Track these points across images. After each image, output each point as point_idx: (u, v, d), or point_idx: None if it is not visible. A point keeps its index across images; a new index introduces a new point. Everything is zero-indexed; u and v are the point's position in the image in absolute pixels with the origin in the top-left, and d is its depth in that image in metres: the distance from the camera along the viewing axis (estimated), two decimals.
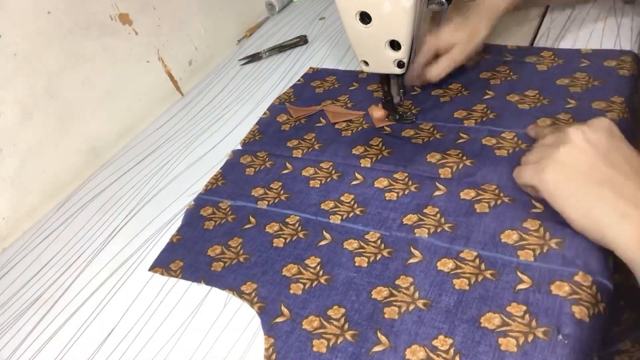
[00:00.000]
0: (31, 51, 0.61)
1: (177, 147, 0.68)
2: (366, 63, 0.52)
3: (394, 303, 0.40)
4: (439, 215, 0.45)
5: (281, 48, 0.82)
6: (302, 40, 0.82)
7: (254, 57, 0.82)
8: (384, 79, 0.55)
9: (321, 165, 0.55)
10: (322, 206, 0.50)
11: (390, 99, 0.57)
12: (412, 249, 0.43)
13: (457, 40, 0.56)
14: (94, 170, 0.69)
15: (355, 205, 0.49)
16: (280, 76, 0.76)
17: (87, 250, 0.56)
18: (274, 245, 0.48)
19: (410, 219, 0.46)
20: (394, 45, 0.49)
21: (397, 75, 0.53)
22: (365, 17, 0.47)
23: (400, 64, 0.50)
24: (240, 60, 0.82)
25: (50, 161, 0.65)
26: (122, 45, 0.71)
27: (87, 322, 0.48)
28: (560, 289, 0.37)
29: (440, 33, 0.56)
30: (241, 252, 0.48)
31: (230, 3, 0.89)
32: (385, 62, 0.50)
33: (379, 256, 0.44)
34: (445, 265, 0.41)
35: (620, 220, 0.35)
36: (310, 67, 0.73)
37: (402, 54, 0.49)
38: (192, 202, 0.56)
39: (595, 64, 0.56)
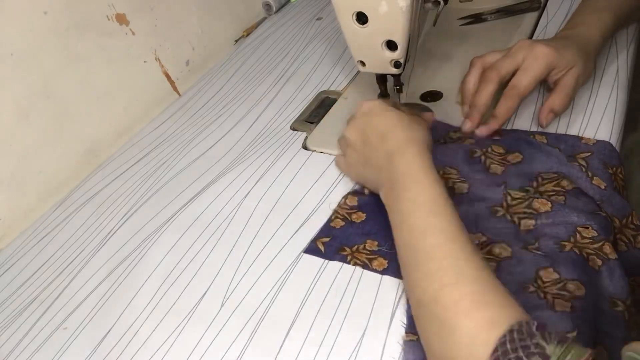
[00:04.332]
0: (28, 51, 0.61)
1: (174, 147, 0.68)
2: (363, 63, 0.52)
3: None
4: None
5: (509, 12, 0.71)
6: (535, 3, 0.71)
7: (477, 19, 0.72)
8: (381, 79, 0.55)
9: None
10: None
11: (387, 97, 0.57)
12: None
13: (571, 61, 0.49)
14: (91, 170, 0.69)
15: None
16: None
17: (84, 250, 0.56)
18: None
19: None
20: (391, 45, 0.49)
21: (394, 75, 0.54)
22: (361, 18, 0.47)
23: (396, 64, 0.50)
24: (460, 19, 0.73)
25: (47, 161, 0.65)
26: (119, 46, 0.71)
27: (84, 322, 0.48)
28: None
29: (537, 48, 0.49)
30: None
31: (227, 3, 0.89)
32: (382, 63, 0.51)
33: None
34: None
35: (380, 185, 0.45)
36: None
37: (398, 54, 0.49)
38: None
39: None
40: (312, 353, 0.40)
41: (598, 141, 0.49)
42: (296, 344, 0.41)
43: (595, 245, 0.40)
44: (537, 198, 0.44)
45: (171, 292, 0.48)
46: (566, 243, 0.41)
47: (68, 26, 0.65)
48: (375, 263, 0.45)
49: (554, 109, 0.51)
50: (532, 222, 0.43)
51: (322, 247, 0.47)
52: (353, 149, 0.49)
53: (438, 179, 0.41)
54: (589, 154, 0.48)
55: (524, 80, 0.50)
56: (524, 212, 0.44)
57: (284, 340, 0.41)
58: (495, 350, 0.29)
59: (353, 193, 0.52)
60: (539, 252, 0.41)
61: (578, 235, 0.41)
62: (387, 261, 0.45)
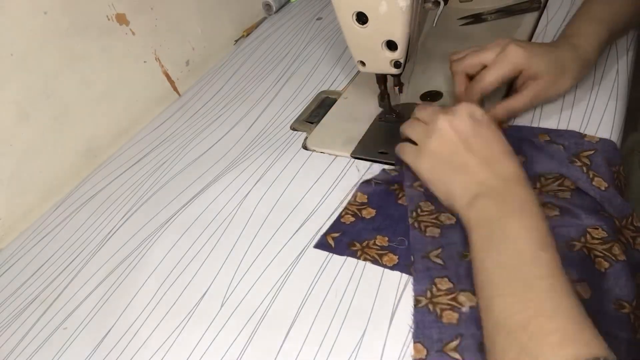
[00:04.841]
0: (28, 51, 0.61)
1: (174, 147, 0.68)
2: (363, 63, 0.52)
3: None
4: None
5: (509, 12, 0.71)
6: (535, 3, 0.70)
7: (477, 19, 0.72)
8: (381, 79, 0.55)
9: None
10: None
11: (387, 100, 0.57)
12: None
13: (542, 70, 0.50)
14: (91, 170, 0.69)
15: None
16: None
17: (84, 250, 0.56)
18: None
19: None
20: (391, 45, 0.49)
21: (394, 76, 0.54)
22: (362, 18, 0.47)
23: (396, 64, 0.50)
24: (460, 19, 0.73)
25: (47, 161, 0.65)
26: (119, 46, 0.71)
27: (84, 322, 0.48)
28: None
29: (512, 49, 0.50)
30: None
31: (227, 3, 0.89)
32: (382, 63, 0.51)
33: None
34: None
35: (469, 202, 0.41)
36: None
37: (398, 54, 0.49)
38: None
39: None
40: (312, 353, 0.40)
41: (601, 139, 0.48)
42: (296, 344, 0.41)
43: (605, 247, 0.40)
44: (543, 202, 0.44)
45: (171, 292, 0.48)
46: (577, 243, 0.41)
47: (68, 26, 0.65)
48: (385, 258, 0.45)
49: (509, 108, 0.51)
50: None
51: (332, 242, 0.48)
52: (448, 143, 0.44)
53: (544, 214, 0.39)
54: (593, 152, 0.47)
55: (488, 77, 0.50)
56: None
57: (284, 340, 0.41)
58: None
59: (362, 191, 0.52)
60: None
61: (588, 235, 0.41)
62: (397, 257, 0.45)
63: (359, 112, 0.63)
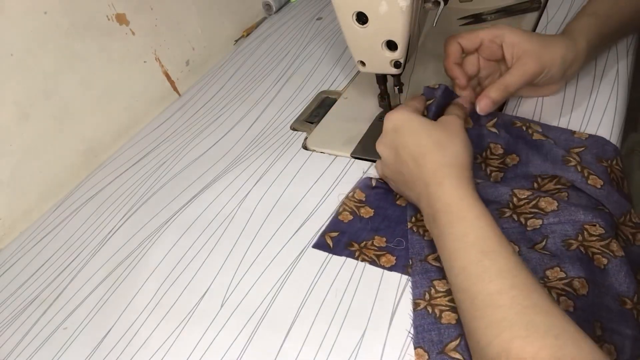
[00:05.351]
0: (28, 51, 0.61)
1: (174, 147, 0.68)
2: (363, 63, 0.52)
3: None
4: None
5: (509, 12, 0.70)
6: (535, 3, 0.70)
7: (477, 19, 0.72)
8: (381, 79, 0.55)
9: None
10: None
11: (387, 100, 0.57)
12: None
13: (529, 49, 0.49)
14: (91, 170, 0.69)
15: None
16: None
17: (84, 250, 0.56)
18: None
19: None
20: (391, 45, 0.49)
21: (394, 76, 0.54)
22: (362, 18, 0.47)
23: (396, 64, 0.50)
24: (460, 19, 0.72)
25: (47, 161, 0.65)
26: (119, 46, 0.71)
27: (84, 322, 0.48)
28: None
29: (504, 29, 0.50)
30: None
31: (227, 3, 0.89)
32: (382, 63, 0.51)
33: None
34: None
35: (422, 210, 0.43)
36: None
37: (398, 54, 0.49)
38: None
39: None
40: (312, 353, 0.40)
41: (590, 136, 0.49)
42: (296, 344, 0.41)
43: (602, 243, 0.40)
44: (543, 197, 0.44)
45: (171, 292, 0.48)
46: (573, 241, 0.41)
47: (68, 26, 0.65)
48: (383, 259, 0.45)
49: (502, 85, 0.49)
50: (539, 221, 0.43)
51: (330, 242, 0.47)
52: (386, 165, 0.47)
53: (484, 211, 0.37)
54: (582, 148, 0.48)
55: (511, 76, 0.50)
56: (530, 212, 0.44)
57: (284, 340, 0.41)
58: None
59: (361, 188, 0.52)
60: (546, 252, 0.41)
61: (585, 233, 0.41)
62: (395, 257, 0.45)
63: (359, 112, 0.63)
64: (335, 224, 0.49)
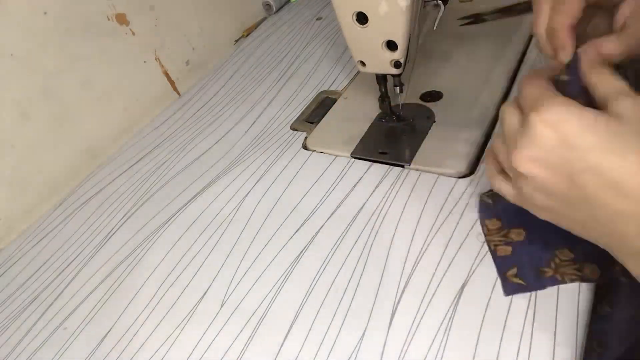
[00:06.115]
0: (28, 51, 0.61)
1: (174, 147, 0.68)
2: (363, 63, 0.52)
3: None
4: None
5: (509, 12, 0.68)
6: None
7: (477, 19, 0.70)
8: (381, 80, 0.55)
9: None
10: None
11: (387, 100, 0.57)
12: None
13: None
14: (91, 170, 0.69)
15: None
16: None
17: (84, 250, 0.56)
18: None
19: None
20: (391, 45, 0.49)
21: (394, 76, 0.54)
22: (362, 18, 0.47)
23: (397, 64, 0.50)
24: (460, 19, 0.71)
25: (47, 161, 0.65)
26: (119, 46, 0.71)
27: (84, 322, 0.48)
28: None
29: None
30: None
31: (227, 3, 0.89)
32: (382, 63, 0.51)
33: None
34: None
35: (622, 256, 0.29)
36: None
37: (398, 55, 0.49)
38: None
39: None
40: (312, 353, 0.40)
41: None
42: (296, 344, 0.41)
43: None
44: None
45: (171, 292, 0.48)
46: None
47: (68, 26, 0.65)
48: (586, 270, 0.39)
49: (609, 53, 0.31)
50: None
51: (520, 281, 0.40)
52: (541, 192, 0.30)
53: None
54: None
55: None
56: None
57: (284, 340, 0.41)
58: None
59: (486, 215, 0.45)
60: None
61: None
62: (597, 266, 0.38)
63: (359, 112, 0.63)
64: (502, 263, 0.42)
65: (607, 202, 0.27)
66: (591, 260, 0.39)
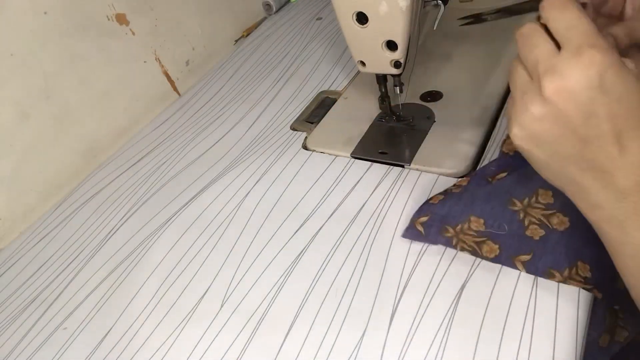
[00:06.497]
0: (28, 51, 0.61)
1: (174, 147, 0.68)
2: (363, 63, 0.52)
3: None
4: None
5: (509, 12, 0.67)
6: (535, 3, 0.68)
7: (477, 19, 0.70)
8: (381, 80, 0.55)
9: None
10: None
11: (387, 100, 0.57)
12: None
13: None
14: (91, 170, 0.69)
15: None
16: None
17: (84, 250, 0.56)
18: None
19: None
20: (391, 45, 0.49)
21: (394, 76, 0.54)
22: (362, 18, 0.47)
23: (397, 64, 0.50)
24: (460, 19, 0.72)
25: (47, 161, 0.65)
26: (119, 46, 0.71)
27: (84, 322, 0.48)
28: None
29: None
30: None
31: (227, 3, 0.89)
32: (382, 63, 0.51)
33: None
34: None
35: (613, 214, 0.30)
36: None
37: (398, 55, 0.49)
38: None
39: None
40: (312, 353, 0.40)
41: None
42: (296, 344, 0.41)
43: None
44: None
45: (171, 292, 0.48)
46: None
47: (68, 26, 0.65)
48: (485, 248, 0.39)
49: (633, 30, 0.34)
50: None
51: (421, 229, 0.41)
52: (558, 122, 0.29)
53: None
54: None
55: None
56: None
57: (284, 340, 0.41)
58: None
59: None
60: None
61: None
62: (497, 246, 0.39)
63: (359, 112, 0.63)
64: (424, 207, 0.42)
65: (606, 148, 0.29)
66: (496, 240, 0.39)
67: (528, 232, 0.39)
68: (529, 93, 0.30)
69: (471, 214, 0.40)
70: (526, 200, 0.40)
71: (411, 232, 0.43)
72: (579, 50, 0.28)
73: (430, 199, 0.44)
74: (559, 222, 0.38)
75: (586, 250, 0.37)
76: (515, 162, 0.41)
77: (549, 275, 0.38)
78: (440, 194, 0.44)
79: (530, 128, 0.31)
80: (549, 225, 0.39)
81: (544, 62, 0.29)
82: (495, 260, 0.39)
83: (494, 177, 0.42)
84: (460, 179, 0.44)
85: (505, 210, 0.40)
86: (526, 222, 0.39)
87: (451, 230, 0.41)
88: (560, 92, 0.28)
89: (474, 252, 0.40)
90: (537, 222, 0.39)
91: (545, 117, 0.30)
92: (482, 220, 0.40)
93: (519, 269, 0.38)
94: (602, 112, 0.28)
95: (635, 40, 0.35)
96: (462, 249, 0.40)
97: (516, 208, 0.40)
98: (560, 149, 0.30)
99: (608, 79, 0.27)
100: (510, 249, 0.39)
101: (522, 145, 0.32)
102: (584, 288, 0.37)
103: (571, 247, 0.38)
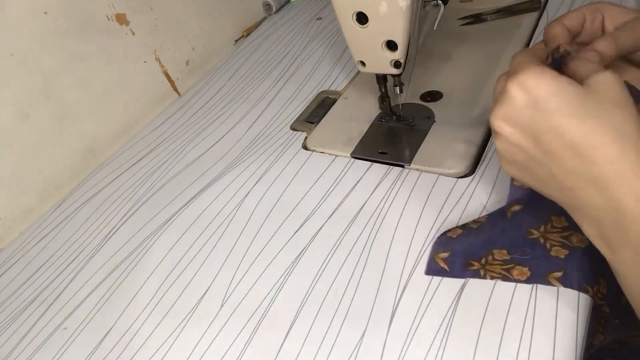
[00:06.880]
0: (28, 51, 0.61)
1: (174, 147, 0.68)
2: (363, 63, 0.52)
3: None
4: None
5: (509, 12, 0.69)
6: (535, 3, 0.67)
7: (477, 19, 0.70)
8: (381, 80, 0.55)
9: None
10: None
11: (387, 100, 0.57)
12: None
13: None
14: (91, 170, 0.69)
15: None
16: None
17: (84, 250, 0.56)
18: None
19: None
20: (391, 45, 0.49)
21: (394, 76, 0.54)
22: (362, 18, 0.47)
23: (397, 64, 0.50)
24: (460, 19, 0.72)
25: (47, 161, 0.65)
26: (118, 46, 0.71)
27: (84, 322, 0.48)
28: None
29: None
30: None
31: (227, 3, 0.89)
32: (382, 63, 0.51)
33: None
34: None
35: (579, 215, 0.32)
36: None
37: (398, 55, 0.49)
38: None
39: None
40: (312, 353, 0.40)
41: None
42: (296, 344, 0.41)
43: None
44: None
45: (171, 292, 0.48)
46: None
47: (68, 26, 0.65)
48: (515, 272, 0.39)
49: (617, 38, 0.35)
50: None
51: (445, 265, 0.42)
52: (512, 154, 0.33)
53: None
54: None
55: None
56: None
57: (284, 340, 0.41)
58: None
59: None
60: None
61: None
62: (527, 267, 0.39)
63: (359, 112, 0.63)
64: (443, 241, 0.43)
65: (564, 160, 0.30)
66: (524, 264, 0.40)
67: (553, 253, 0.39)
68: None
69: (493, 248, 0.41)
70: (542, 228, 0.40)
71: (434, 268, 0.42)
72: (506, 81, 0.31)
73: (448, 231, 0.44)
74: (579, 240, 0.39)
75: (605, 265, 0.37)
76: (526, 194, 0.42)
77: (585, 290, 0.38)
78: (459, 227, 0.44)
79: (505, 157, 0.34)
80: (570, 244, 0.39)
81: (494, 100, 0.33)
82: (528, 281, 0.39)
83: (509, 209, 0.43)
84: (480, 216, 0.45)
85: (526, 240, 0.41)
86: (548, 245, 0.40)
87: (476, 263, 0.41)
88: (501, 121, 0.32)
89: (504, 278, 0.40)
90: (558, 244, 0.39)
91: (506, 146, 0.33)
92: (504, 251, 0.41)
93: (555, 286, 0.38)
94: (543, 127, 0.30)
95: (622, 49, 0.36)
96: (492, 277, 0.40)
97: (535, 236, 0.40)
98: (535, 172, 0.32)
99: (544, 97, 0.30)
100: (540, 268, 0.39)
101: (509, 172, 0.35)
102: (599, 304, 0.38)
103: (594, 263, 0.38)
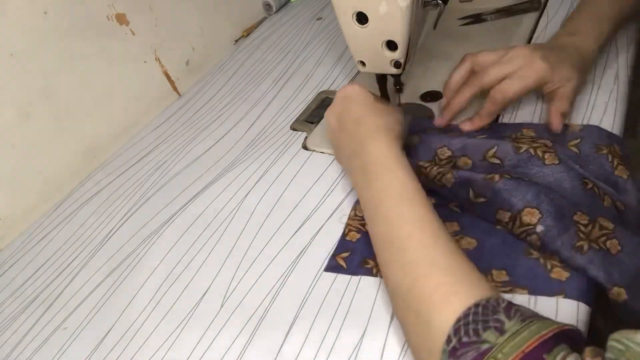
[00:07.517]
0: (28, 51, 0.61)
1: (174, 147, 0.68)
2: (363, 63, 0.52)
3: None
4: None
5: (509, 12, 0.71)
6: (535, 3, 0.70)
7: (477, 19, 0.72)
8: (381, 79, 0.55)
9: None
10: None
11: (386, 100, 0.57)
12: None
13: (565, 77, 0.48)
14: (91, 170, 0.69)
15: None
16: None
17: (84, 250, 0.56)
18: None
19: None
20: (391, 45, 0.49)
21: (394, 76, 0.54)
22: (362, 18, 0.47)
23: (397, 64, 0.50)
24: (460, 19, 0.73)
25: (47, 161, 0.65)
26: (119, 46, 0.71)
27: (84, 322, 0.48)
28: None
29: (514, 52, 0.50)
30: None
31: (227, 3, 0.89)
32: (382, 63, 0.51)
33: None
34: None
35: (352, 171, 0.46)
36: None
37: (398, 54, 0.49)
38: None
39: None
40: (312, 353, 0.40)
41: (584, 126, 0.49)
42: (296, 344, 0.41)
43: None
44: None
45: (171, 292, 0.48)
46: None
47: (68, 26, 0.64)
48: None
49: (564, 112, 0.49)
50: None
51: (343, 263, 0.46)
52: (330, 131, 0.51)
53: (408, 167, 0.42)
54: (578, 140, 0.48)
55: (514, 88, 0.48)
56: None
57: (284, 340, 0.41)
58: (458, 320, 0.31)
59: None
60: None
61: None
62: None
63: None
64: (343, 244, 0.47)
65: (350, 130, 0.47)
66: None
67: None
68: None
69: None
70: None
71: (333, 266, 0.46)
72: (340, 89, 0.50)
73: (346, 235, 0.48)
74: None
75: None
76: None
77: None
78: (355, 231, 0.48)
79: (329, 134, 0.52)
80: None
81: None
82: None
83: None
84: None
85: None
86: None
87: (371, 262, 0.45)
88: (330, 115, 0.50)
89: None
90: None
91: (329, 128, 0.51)
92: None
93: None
94: (344, 109, 0.49)
95: (565, 118, 0.50)
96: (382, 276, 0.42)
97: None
98: (339, 141, 0.49)
99: (350, 94, 0.49)
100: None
101: (328, 137, 0.53)
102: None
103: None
